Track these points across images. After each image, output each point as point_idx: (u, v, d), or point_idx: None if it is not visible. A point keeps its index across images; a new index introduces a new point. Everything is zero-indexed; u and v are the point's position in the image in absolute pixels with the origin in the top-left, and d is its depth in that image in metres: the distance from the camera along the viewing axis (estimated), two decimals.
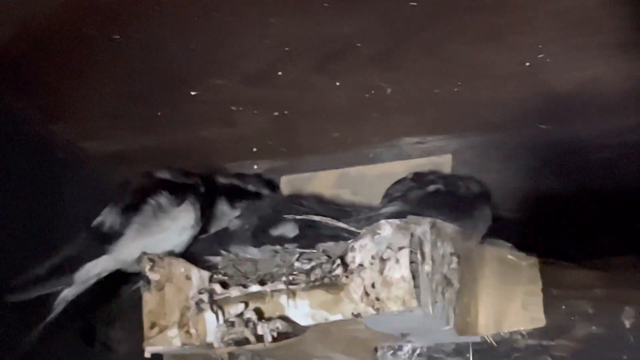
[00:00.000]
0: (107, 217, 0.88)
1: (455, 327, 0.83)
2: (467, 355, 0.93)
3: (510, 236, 0.93)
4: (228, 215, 0.96)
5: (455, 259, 0.82)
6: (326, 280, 0.77)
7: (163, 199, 0.88)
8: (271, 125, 0.97)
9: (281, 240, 0.86)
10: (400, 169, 1.03)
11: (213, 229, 0.95)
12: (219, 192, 0.97)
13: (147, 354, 0.85)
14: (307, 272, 0.79)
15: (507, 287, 0.90)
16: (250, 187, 0.99)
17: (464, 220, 0.84)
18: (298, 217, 0.86)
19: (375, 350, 0.95)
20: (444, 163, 1.02)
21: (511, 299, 0.90)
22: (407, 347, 0.96)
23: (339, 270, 0.77)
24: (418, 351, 0.96)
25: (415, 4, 0.73)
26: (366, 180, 1.06)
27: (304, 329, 0.79)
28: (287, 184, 1.09)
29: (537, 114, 0.94)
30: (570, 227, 1.10)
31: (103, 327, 1.03)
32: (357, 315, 0.77)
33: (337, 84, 0.88)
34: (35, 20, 0.76)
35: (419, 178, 0.92)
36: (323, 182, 1.07)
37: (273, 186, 1.04)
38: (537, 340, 0.90)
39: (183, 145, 1.03)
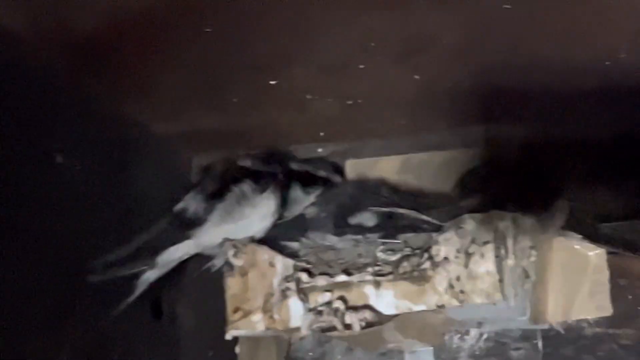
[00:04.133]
0: (191, 203, 0.90)
1: (530, 317, 0.86)
2: (535, 341, 0.96)
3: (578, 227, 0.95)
4: (301, 201, 0.97)
5: (533, 252, 0.84)
6: (415, 273, 0.79)
7: (246, 187, 0.89)
8: (342, 112, 0.99)
9: (360, 229, 0.88)
10: (466, 156, 1.05)
11: (286, 215, 0.97)
12: (293, 177, 0.98)
13: (228, 336, 0.88)
14: (395, 264, 0.81)
15: (575, 276, 0.92)
16: (322, 173, 1.01)
17: (543, 213, 0.86)
18: (383, 209, 0.88)
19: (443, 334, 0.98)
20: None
21: (579, 288, 0.92)
22: (475, 332, 0.99)
23: (427, 264, 0.79)
24: (485, 336, 0.98)
25: (509, 7, 0.74)
26: (431, 166, 1.08)
27: (388, 317, 0.81)
28: (352, 168, 1.10)
29: None
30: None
31: (169, 303, 1.06)
32: (441, 307, 0.79)
33: (416, 77, 0.89)
34: (126, 8, 0.77)
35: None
36: (387, 167, 1.09)
37: (340, 171, 1.06)
38: (603, 329, 0.93)
39: (250, 127, 1.05)
